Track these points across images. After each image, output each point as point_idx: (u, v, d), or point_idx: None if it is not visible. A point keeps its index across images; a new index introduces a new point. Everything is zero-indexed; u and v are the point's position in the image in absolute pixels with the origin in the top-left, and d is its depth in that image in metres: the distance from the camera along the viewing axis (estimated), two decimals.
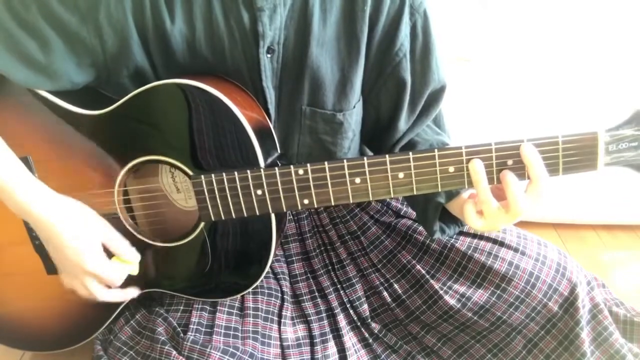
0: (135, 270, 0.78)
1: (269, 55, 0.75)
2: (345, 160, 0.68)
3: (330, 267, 0.92)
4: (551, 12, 1.27)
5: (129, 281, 0.80)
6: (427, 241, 0.89)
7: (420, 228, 0.91)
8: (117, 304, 0.84)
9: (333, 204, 0.71)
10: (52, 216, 0.70)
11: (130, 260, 0.77)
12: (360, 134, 0.89)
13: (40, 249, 0.81)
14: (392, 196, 0.70)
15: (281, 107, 0.82)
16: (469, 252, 0.86)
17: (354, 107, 0.84)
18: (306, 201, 0.71)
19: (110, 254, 0.75)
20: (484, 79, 1.31)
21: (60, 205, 0.71)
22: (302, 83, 0.79)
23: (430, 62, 0.83)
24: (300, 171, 0.69)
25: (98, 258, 0.73)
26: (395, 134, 0.87)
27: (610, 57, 1.30)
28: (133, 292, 0.80)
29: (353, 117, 0.85)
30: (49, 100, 0.74)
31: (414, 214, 0.94)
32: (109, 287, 0.77)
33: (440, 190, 0.69)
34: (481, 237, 0.88)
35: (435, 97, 0.87)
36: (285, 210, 0.72)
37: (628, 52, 1.30)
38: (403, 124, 0.86)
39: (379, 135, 0.90)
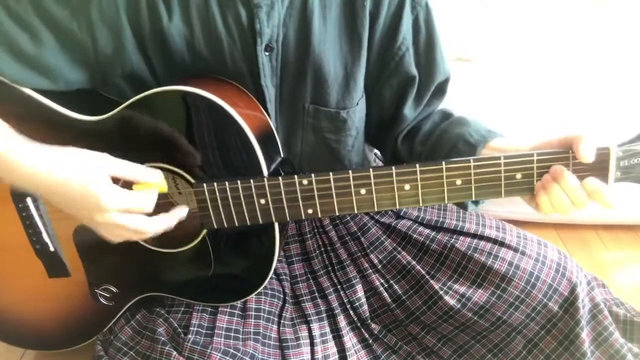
0: (164, 187, 0.70)
1: (267, 53, 0.75)
2: (350, 171, 0.68)
3: (330, 268, 0.92)
4: (552, 12, 1.27)
5: (131, 283, 0.80)
6: (427, 242, 0.89)
7: (420, 228, 0.91)
8: (118, 307, 0.84)
9: (337, 214, 0.70)
10: (42, 169, 0.65)
11: (152, 182, 0.69)
12: (364, 130, 0.89)
13: (41, 253, 0.80)
14: (398, 207, 0.69)
15: (282, 106, 0.81)
16: (469, 252, 0.86)
17: (357, 104, 0.84)
18: (310, 211, 0.70)
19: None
20: (484, 80, 1.31)
21: (48, 155, 0.66)
22: (304, 81, 0.79)
23: (435, 54, 0.83)
24: (305, 181, 0.69)
25: (112, 191, 0.66)
26: (399, 126, 0.87)
27: (611, 57, 1.29)
28: (183, 210, 0.73)
29: (357, 114, 0.84)
30: (49, 107, 0.73)
31: (413, 215, 0.94)
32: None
33: (446, 202, 0.69)
34: (481, 237, 0.88)
35: (441, 87, 0.87)
36: (289, 219, 0.72)
37: (630, 52, 1.29)
38: (408, 116, 0.86)
39: (384, 130, 0.90)
